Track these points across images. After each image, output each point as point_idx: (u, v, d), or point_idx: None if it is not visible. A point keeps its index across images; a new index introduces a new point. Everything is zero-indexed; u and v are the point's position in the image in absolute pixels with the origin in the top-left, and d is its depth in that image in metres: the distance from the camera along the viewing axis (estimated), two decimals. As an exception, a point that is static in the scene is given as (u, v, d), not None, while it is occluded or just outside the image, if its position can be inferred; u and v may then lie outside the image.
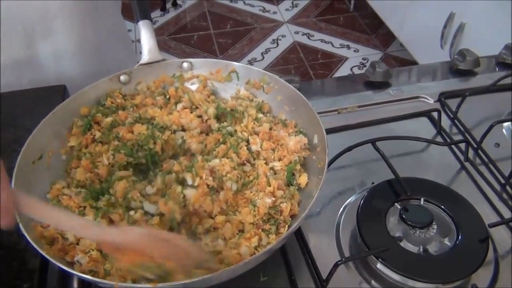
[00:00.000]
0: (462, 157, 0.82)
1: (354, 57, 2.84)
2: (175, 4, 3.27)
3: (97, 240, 0.53)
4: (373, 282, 0.65)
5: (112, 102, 0.75)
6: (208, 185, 0.65)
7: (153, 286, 0.50)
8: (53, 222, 0.51)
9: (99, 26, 0.98)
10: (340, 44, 2.94)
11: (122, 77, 0.77)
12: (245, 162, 0.70)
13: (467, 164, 0.81)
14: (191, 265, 0.53)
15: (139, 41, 0.80)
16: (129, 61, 1.05)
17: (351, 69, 2.74)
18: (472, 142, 0.83)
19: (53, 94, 0.84)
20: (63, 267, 0.53)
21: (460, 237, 0.66)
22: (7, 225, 0.45)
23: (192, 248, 0.55)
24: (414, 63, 2.48)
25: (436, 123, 0.88)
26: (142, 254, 0.50)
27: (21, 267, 0.60)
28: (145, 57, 0.77)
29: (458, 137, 0.85)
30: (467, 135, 0.85)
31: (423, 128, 0.88)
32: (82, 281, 0.62)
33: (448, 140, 0.84)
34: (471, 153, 0.82)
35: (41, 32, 0.89)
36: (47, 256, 0.53)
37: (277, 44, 2.95)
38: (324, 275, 0.63)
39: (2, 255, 0.61)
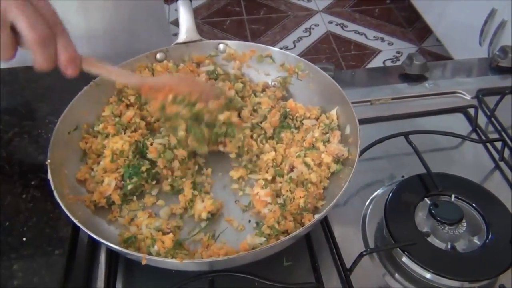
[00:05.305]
0: (497, 156, 0.80)
1: (388, 50, 2.79)
2: (209, -12, 3.27)
3: (138, 84, 0.65)
4: (396, 275, 0.65)
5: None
6: None
7: (180, 261, 0.51)
8: (105, 72, 0.61)
9: (134, 6, 0.97)
10: (374, 36, 2.89)
11: (159, 55, 0.78)
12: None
13: (501, 164, 0.79)
14: (208, 97, 0.66)
15: (171, 23, 0.80)
16: (163, 43, 1.04)
17: (383, 62, 2.69)
18: (509, 142, 0.80)
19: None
20: (94, 235, 0.54)
21: (490, 237, 0.65)
22: (73, 73, 0.55)
23: (207, 86, 0.70)
24: (450, 59, 2.42)
25: (472, 120, 0.86)
26: (172, 90, 0.63)
27: (53, 235, 0.61)
28: (183, 36, 0.77)
29: (494, 136, 0.83)
30: (503, 134, 0.83)
31: (458, 124, 0.86)
32: (110, 252, 0.64)
33: (484, 138, 0.82)
34: (506, 152, 0.79)
35: (75, 10, 0.89)
36: (78, 224, 0.55)
37: (310, 33, 2.92)
38: (348, 265, 0.63)
39: (36, 222, 0.62)
